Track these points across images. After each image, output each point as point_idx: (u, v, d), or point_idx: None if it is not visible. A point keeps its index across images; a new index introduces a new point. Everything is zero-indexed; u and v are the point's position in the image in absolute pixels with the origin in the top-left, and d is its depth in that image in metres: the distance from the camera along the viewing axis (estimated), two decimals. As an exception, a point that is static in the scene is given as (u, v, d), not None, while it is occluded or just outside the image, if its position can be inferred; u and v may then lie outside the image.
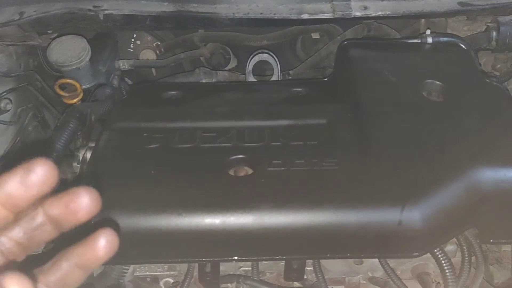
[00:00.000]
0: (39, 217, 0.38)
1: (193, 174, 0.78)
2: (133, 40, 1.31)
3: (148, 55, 1.31)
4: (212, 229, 0.72)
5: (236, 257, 0.75)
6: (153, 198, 0.74)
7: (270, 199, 0.73)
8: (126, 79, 1.25)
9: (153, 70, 1.34)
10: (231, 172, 0.78)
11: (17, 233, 0.38)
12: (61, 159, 0.85)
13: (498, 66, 1.18)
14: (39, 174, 0.35)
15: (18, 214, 0.38)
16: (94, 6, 0.98)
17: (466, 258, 0.86)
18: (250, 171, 0.79)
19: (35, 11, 0.98)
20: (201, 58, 1.33)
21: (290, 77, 1.24)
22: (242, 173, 0.78)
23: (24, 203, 0.37)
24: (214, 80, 1.21)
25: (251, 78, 1.14)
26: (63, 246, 0.39)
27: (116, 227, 0.36)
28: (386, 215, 0.72)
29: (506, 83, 1.10)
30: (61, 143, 0.84)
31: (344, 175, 0.77)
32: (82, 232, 0.38)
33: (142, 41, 1.32)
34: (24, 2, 0.99)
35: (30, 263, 0.39)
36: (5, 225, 0.38)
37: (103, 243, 0.37)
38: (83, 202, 0.37)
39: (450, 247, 0.88)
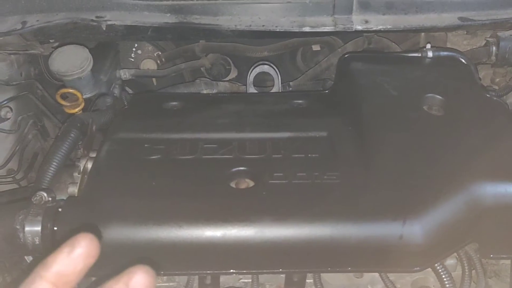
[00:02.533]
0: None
1: (194, 186, 0.77)
2: (134, 49, 1.32)
3: (149, 65, 1.32)
4: (213, 242, 0.71)
5: (236, 270, 0.75)
6: (154, 210, 0.73)
7: (272, 212, 0.73)
8: (127, 88, 1.26)
9: (154, 79, 1.34)
10: (233, 184, 0.78)
11: None
12: (62, 169, 0.85)
13: (497, 80, 1.19)
14: (83, 246, 0.37)
15: None
16: (97, 17, 0.98)
17: (467, 273, 0.86)
18: (251, 184, 0.79)
19: (37, 20, 0.98)
20: (201, 68, 1.33)
21: (290, 89, 1.25)
22: (243, 186, 0.78)
23: (74, 278, 0.37)
24: (215, 91, 1.21)
25: (252, 89, 1.14)
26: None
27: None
28: (387, 229, 0.72)
29: (504, 97, 1.11)
30: (62, 153, 0.84)
31: (346, 189, 0.77)
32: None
33: (143, 51, 1.32)
34: (26, 11, 0.99)
35: None
36: None
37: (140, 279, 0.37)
38: (139, 280, 0.37)
39: (450, 261, 0.88)
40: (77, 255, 0.37)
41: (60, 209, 0.74)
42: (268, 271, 0.76)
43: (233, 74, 1.37)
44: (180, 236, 0.71)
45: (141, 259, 0.41)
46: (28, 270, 0.38)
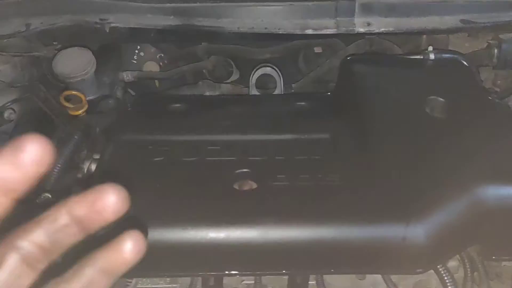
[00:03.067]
0: (63, 218, 0.34)
1: (198, 188, 0.78)
2: (136, 52, 1.32)
3: (152, 67, 1.32)
4: (217, 243, 0.72)
5: (240, 271, 0.75)
6: (157, 212, 0.74)
7: (275, 213, 0.74)
8: (130, 91, 1.26)
9: (156, 82, 1.34)
10: (236, 186, 0.78)
11: (38, 236, 0.33)
12: (66, 171, 0.85)
13: (499, 82, 1.19)
14: (32, 152, 0.31)
15: (18, 200, 0.33)
16: (101, 19, 0.99)
17: (469, 275, 0.86)
18: (254, 185, 0.79)
19: (41, 23, 0.99)
20: (204, 70, 1.33)
21: (292, 91, 1.25)
22: (246, 187, 0.79)
23: (21, 186, 0.32)
24: (217, 93, 1.21)
25: (254, 91, 1.14)
26: (85, 251, 0.35)
27: (143, 228, 0.35)
28: (391, 231, 0.72)
29: (506, 99, 1.11)
30: (65, 155, 0.84)
31: (348, 191, 0.77)
32: (106, 235, 0.35)
33: (146, 53, 1.32)
34: (30, 14, 1.00)
35: (50, 272, 0.35)
36: (24, 228, 0.34)
37: (130, 246, 0.34)
38: (110, 200, 0.34)
39: (452, 263, 0.88)
40: (22, 161, 0.31)
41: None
42: (271, 272, 0.76)
43: (235, 76, 1.36)
44: (184, 238, 0.72)
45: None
46: None
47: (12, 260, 0.33)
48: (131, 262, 0.35)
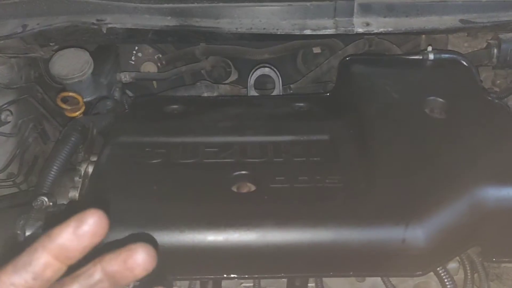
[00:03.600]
0: (97, 274, 0.37)
1: (195, 190, 0.77)
2: (134, 52, 1.31)
3: (150, 67, 1.31)
4: (215, 246, 0.71)
5: (238, 275, 0.75)
6: (155, 215, 0.73)
7: (273, 216, 0.73)
8: (127, 92, 1.25)
9: (154, 82, 1.34)
10: (234, 188, 0.78)
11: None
12: (63, 173, 0.85)
13: (498, 82, 1.19)
14: (91, 224, 0.36)
15: (73, 269, 0.37)
16: (98, 20, 0.98)
17: (469, 276, 0.86)
18: (253, 188, 0.78)
19: (38, 24, 0.98)
20: (202, 71, 1.33)
21: (291, 91, 1.25)
22: (245, 190, 0.78)
23: (77, 255, 0.36)
24: (215, 94, 1.21)
25: (252, 92, 1.14)
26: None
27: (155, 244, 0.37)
28: (390, 233, 0.72)
29: (506, 99, 1.11)
30: (62, 157, 0.84)
31: (347, 193, 0.76)
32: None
33: (144, 54, 1.32)
34: (27, 15, 0.99)
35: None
36: (63, 282, 0.37)
37: (142, 257, 0.37)
38: (140, 259, 0.36)
39: (452, 265, 0.87)
40: (83, 232, 0.35)
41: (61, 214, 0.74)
42: (270, 275, 0.76)
43: (234, 76, 1.36)
44: (182, 241, 0.71)
45: (142, 235, 0.40)
46: (28, 242, 0.37)
47: None
48: (140, 276, 0.37)
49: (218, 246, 0.71)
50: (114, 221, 0.70)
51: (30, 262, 0.36)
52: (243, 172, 0.80)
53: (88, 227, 0.36)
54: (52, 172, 0.83)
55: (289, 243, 0.72)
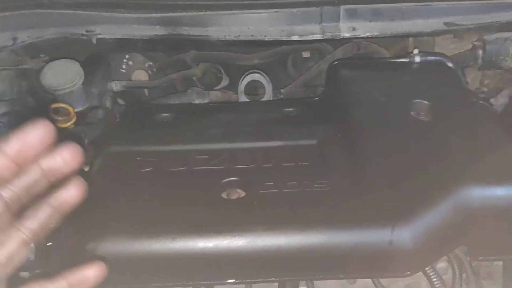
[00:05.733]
0: (38, 172, 0.47)
1: (186, 198, 0.78)
2: (125, 61, 1.32)
3: (141, 75, 1.32)
4: (206, 253, 0.72)
5: (230, 280, 0.76)
6: (146, 223, 0.74)
7: (263, 221, 0.74)
8: (119, 100, 1.26)
9: (146, 90, 1.35)
10: (224, 195, 0.79)
11: (18, 186, 0.46)
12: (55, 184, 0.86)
13: (486, 81, 1.20)
14: (42, 129, 0.46)
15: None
16: (87, 31, 0.99)
17: (457, 275, 0.87)
18: (242, 194, 0.79)
19: (28, 36, 0.99)
20: (193, 77, 1.34)
21: (281, 96, 1.26)
22: (234, 196, 0.79)
23: (30, 159, 0.45)
24: (206, 100, 1.22)
25: (243, 98, 1.15)
26: None
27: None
28: (377, 236, 0.73)
29: (494, 98, 1.12)
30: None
31: (335, 196, 0.78)
32: None
33: (134, 62, 1.33)
34: (17, 27, 1.00)
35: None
36: (6, 180, 0.45)
37: (75, 185, 0.50)
38: (71, 151, 0.48)
39: (441, 264, 0.89)
40: (36, 135, 0.45)
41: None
42: (261, 280, 0.77)
43: (225, 82, 1.37)
44: (173, 249, 0.72)
45: None
46: None
47: None
48: (77, 200, 0.50)
49: (209, 253, 0.72)
50: (105, 230, 0.72)
51: None
52: (233, 178, 0.81)
53: (40, 131, 0.46)
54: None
55: (279, 248, 0.73)
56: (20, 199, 0.47)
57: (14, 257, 0.47)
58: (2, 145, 0.44)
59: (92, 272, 0.51)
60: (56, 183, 0.49)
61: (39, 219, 0.48)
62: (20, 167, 0.45)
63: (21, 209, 0.48)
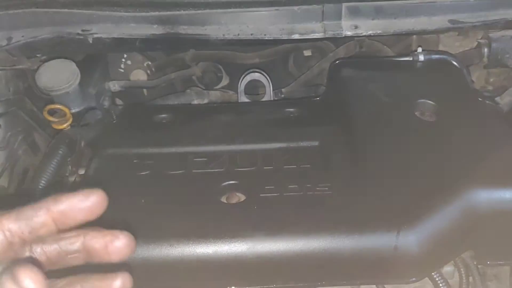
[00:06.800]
0: (78, 245, 0.42)
1: (184, 202, 0.76)
2: (123, 60, 1.30)
3: (139, 75, 1.30)
4: (205, 259, 0.70)
5: (230, 287, 0.74)
6: (144, 228, 0.72)
7: (263, 226, 0.72)
8: (117, 100, 1.24)
9: (144, 90, 1.32)
10: (223, 199, 0.77)
11: (52, 250, 0.42)
12: (50, 187, 0.84)
13: (491, 80, 1.18)
14: (93, 201, 0.40)
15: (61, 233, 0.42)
16: (83, 30, 0.97)
17: (464, 280, 0.85)
18: (242, 198, 0.77)
19: (23, 36, 0.97)
20: (193, 77, 1.31)
21: (282, 95, 1.23)
22: (234, 200, 0.77)
23: (72, 224, 0.41)
24: (206, 101, 1.20)
25: (243, 98, 1.13)
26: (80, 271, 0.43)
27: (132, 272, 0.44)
28: (382, 241, 0.71)
29: (499, 97, 1.10)
30: (50, 170, 0.83)
31: (338, 200, 0.76)
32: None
33: (133, 61, 1.30)
34: (12, 27, 0.98)
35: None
36: (45, 240, 0.42)
37: (119, 284, 0.41)
38: (121, 245, 0.41)
39: (447, 269, 0.87)
40: (85, 205, 0.40)
41: None
42: (261, 287, 0.75)
43: (225, 81, 1.35)
44: (171, 254, 0.70)
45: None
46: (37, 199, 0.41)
47: (24, 256, 0.41)
48: None
49: (209, 259, 0.70)
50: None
51: (32, 217, 0.40)
52: (232, 182, 0.79)
53: (90, 203, 0.40)
54: (39, 186, 0.82)
55: (280, 253, 0.71)
56: (49, 263, 0.42)
57: None
58: (50, 203, 0.41)
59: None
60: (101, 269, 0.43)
61: None
62: (58, 229, 0.41)
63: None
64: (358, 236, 0.71)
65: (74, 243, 0.42)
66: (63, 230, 0.41)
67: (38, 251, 0.42)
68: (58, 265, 0.43)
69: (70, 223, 0.41)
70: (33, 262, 0.38)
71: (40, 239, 0.41)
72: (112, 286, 0.41)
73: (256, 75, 1.13)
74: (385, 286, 0.84)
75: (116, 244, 0.41)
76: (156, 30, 0.99)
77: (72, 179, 0.84)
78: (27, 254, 0.41)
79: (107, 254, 0.41)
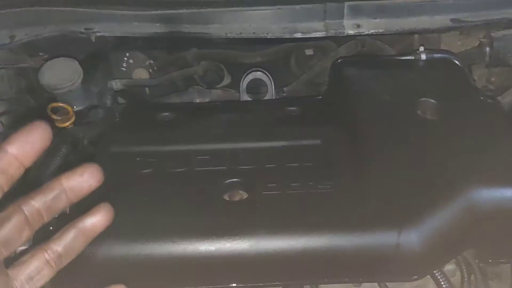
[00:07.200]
0: (58, 188, 0.47)
1: (187, 200, 0.77)
2: (125, 59, 1.30)
3: (141, 74, 1.30)
4: (208, 256, 0.70)
5: (233, 284, 0.74)
6: (146, 226, 0.72)
7: (266, 224, 0.72)
8: (120, 99, 1.24)
9: (147, 89, 1.33)
10: (226, 197, 0.77)
11: (39, 201, 0.46)
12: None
13: (493, 79, 1.18)
14: (39, 131, 0.45)
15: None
16: (86, 29, 0.97)
17: (466, 278, 0.85)
18: (245, 195, 0.78)
19: (26, 34, 0.97)
20: (195, 75, 1.32)
21: (284, 94, 1.24)
22: (237, 198, 0.78)
23: (33, 156, 0.45)
24: (208, 99, 1.20)
25: (245, 97, 1.13)
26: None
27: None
28: (384, 239, 0.71)
29: (501, 96, 1.10)
30: (52, 169, 0.83)
31: (340, 198, 0.76)
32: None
33: (135, 60, 1.31)
34: (14, 25, 0.98)
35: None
36: (29, 195, 0.46)
37: (103, 212, 0.50)
38: (94, 170, 0.48)
39: (449, 267, 0.87)
40: (33, 138, 0.45)
41: (51, 227, 0.73)
42: (264, 284, 0.75)
43: (227, 80, 1.35)
44: (174, 252, 0.71)
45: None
46: None
47: (17, 219, 0.45)
48: (104, 226, 0.50)
49: (211, 256, 0.71)
50: (104, 234, 0.70)
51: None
52: (235, 179, 0.80)
53: (37, 134, 0.45)
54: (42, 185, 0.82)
55: (283, 251, 0.71)
56: (40, 216, 0.46)
57: (36, 280, 0.47)
58: (4, 145, 0.44)
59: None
60: (83, 205, 0.49)
61: (65, 242, 0.48)
62: (24, 166, 0.45)
63: (45, 230, 0.48)
64: (360, 234, 0.72)
65: (54, 188, 0.47)
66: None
67: (28, 208, 0.45)
68: (49, 214, 0.47)
69: (31, 155, 0.45)
70: None
71: (14, 179, 0.45)
72: (99, 215, 0.49)
73: (258, 74, 1.13)
74: (387, 284, 0.84)
75: (90, 170, 0.48)
76: (158, 28, 0.99)
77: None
78: (21, 216, 0.45)
79: (86, 184, 0.47)
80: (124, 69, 1.31)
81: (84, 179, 0.47)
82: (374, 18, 1.00)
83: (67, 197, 0.47)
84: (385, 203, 0.74)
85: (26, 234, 0.46)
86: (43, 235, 0.49)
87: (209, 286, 0.75)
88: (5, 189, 0.45)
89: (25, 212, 0.45)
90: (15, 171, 0.45)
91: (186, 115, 0.97)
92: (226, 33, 0.99)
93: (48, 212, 0.47)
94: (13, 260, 0.47)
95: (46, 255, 0.47)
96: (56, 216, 0.51)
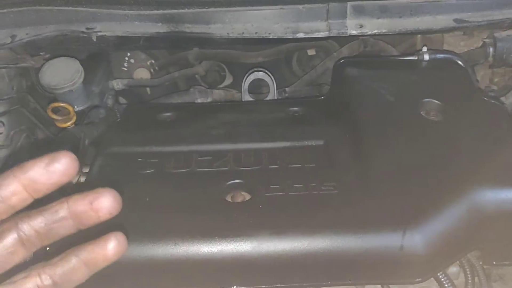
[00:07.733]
0: (63, 211, 0.40)
1: (189, 201, 0.76)
2: (127, 59, 1.30)
3: (142, 74, 1.30)
4: (210, 258, 0.70)
5: (235, 286, 0.73)
6: (148, 227, 0.72)
7: (269, 225, 0.72)
8: (121, 99, 1.24)
9: (148, 89, 1.32)
10: (228, 198, 0.77)
11: (39, 222, 0.40)
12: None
13: (496, 80, 1.17)
14: (63, 163, 0.39)
15: (39, 203, 0.41)
16: (87, 28, 0.96)
17: (469, 280, 0.84)
18: (247, 197, 0.77)
19: (27, 34, 0.97)
20: (196, 76, 1.31)
21: (286, 95, 1.23)
22: (239, 199, 0.77)
23: (45, 190, 0.40)
24: (209, 99, 1.20)
25: (247, 97, 1.12)
26: (72, 244, 0.42)
27: (125, 231, 0.42)
28: (387, 241, 0.71)
29: (504, 97, 1.10)
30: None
31: (343, 199, 0.75)
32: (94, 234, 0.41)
33: (136, 60, 1.31)
34: (15, 25, 0.97)
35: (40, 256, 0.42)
36: (29, 214, 0.40)
37: (113, 245, 0.40)
38: (106, 202, 0.40)
39: (452, 269, 0.86)
40: (54, 168, 0.39)
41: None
42: (267, 286, 0.74)
43: (229, 80, 1.35)
44: (176, 254, 0.70)
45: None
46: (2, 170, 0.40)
47: (10, 238, 0.40)
48: (112, 259, 0.41)
49: (213, 258, 0.70)
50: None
51: (0, 186, 0.39)
52: (237, 181, 0.79)
53: (59, 165, 0.39)
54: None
55: (286, 253, 0.71)
56: (39, 238, 0.41)
57: None
58: (17, 170, 0.39)
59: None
60: (93, 233, 0.42)
61: (62, 271, 0.41)
62: (32, 197, 0.40)
63: (46, 254, 0.42)
64: (363, 236, 0.71)
65: (58, 211, 0.40)
66: (39, 199, 0.40)
67: (25, 227, 0.40)
68: (50, 238, 0.41)
69: (43, 189, 0.39)
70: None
71: (15, 210, 0.40)
72: (107, 246, 0.40)
73: (260, 74, 1.12)
74: (391, 286, 0.84)
75: (101, 200, 0.39)
76: (160, 28, 0.99)
77: (76, 177, 0.84)
78: (15, 235, 0.40)
79: (94, 213, 0.40)
80: (125, 69, 1.30)
81: (93, 208, 0.40)
82: (377, 18, 0.99)
83: (73, 223, 0.41)
84: (389, 204, 0.73)
85: (20, 255, 0.41)
86: (43, 254, 0.44)
87: (211, 288, 0.75)
88: (3, 217, 0.40)
89: (22, 232, 0.40)
90: (18, 202, 0.40)
91: (187, 116, 0.97)
92: (228, 33, 0.98)
93: (49, 236, 0.41)
94: (5, 277, 0.41)
95: (39, 281, 0.41)
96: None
